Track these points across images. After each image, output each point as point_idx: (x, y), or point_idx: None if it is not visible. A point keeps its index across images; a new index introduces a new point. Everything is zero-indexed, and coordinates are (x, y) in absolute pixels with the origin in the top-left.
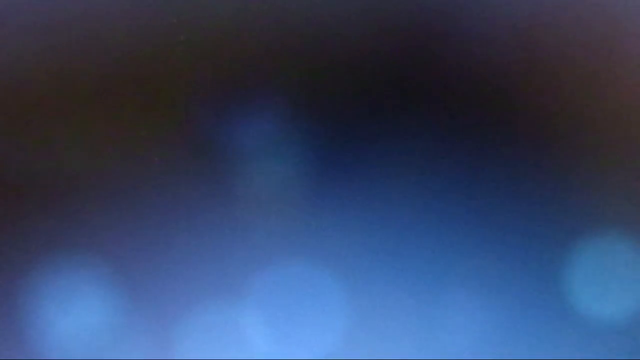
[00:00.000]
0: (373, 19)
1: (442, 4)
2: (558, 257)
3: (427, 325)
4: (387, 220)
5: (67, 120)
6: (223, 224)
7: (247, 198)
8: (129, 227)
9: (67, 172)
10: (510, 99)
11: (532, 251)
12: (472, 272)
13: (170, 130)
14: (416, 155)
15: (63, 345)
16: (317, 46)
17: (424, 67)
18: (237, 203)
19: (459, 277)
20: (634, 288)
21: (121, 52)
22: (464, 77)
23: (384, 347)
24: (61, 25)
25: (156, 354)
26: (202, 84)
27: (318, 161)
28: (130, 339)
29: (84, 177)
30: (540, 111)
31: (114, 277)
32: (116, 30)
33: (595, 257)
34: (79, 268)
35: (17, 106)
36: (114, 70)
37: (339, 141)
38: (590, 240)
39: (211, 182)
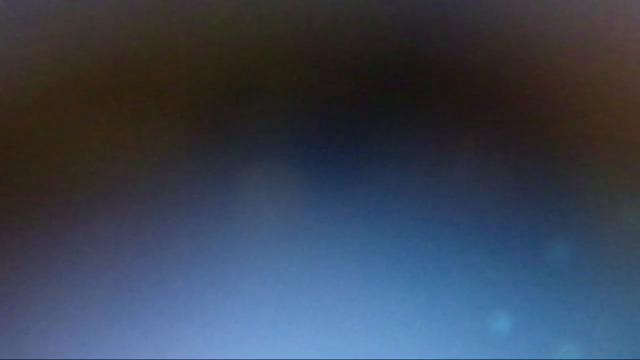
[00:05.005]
0: (372, 20)
1: (443, 5)
2: (557, 257)
3: (426, 325)
4: (387, 221)
5: (67, 120)
6: (223, 223)
7: (247, 198)
8: (129, 227)
9: (67, 171)
10: (510, 98)
11: (532, 251)
12: (472, 272)
13: (171, 130)
14: (416, 156)
15: (63, 345)
16: (318, 46)
17: (424, 68)
18: (237, 203)
19: (459, 276)
20: (633, 288)
21: (121, 52)
22: (463, 77)
23: (384, 347)
24: (61, 25)
25: (156, 354)
26: (202, 84)
27: (318, 161)
28: (129, 338)
29: (84, 177)
30: (540, 111)
31: (113, 276)
32: (116, 30)
33: (594, 257)
34: (79, 268)
35: (17, 106)
36: (114, 70)
37: (339, 141)
38: (590, 240)
39: (211, 182)
